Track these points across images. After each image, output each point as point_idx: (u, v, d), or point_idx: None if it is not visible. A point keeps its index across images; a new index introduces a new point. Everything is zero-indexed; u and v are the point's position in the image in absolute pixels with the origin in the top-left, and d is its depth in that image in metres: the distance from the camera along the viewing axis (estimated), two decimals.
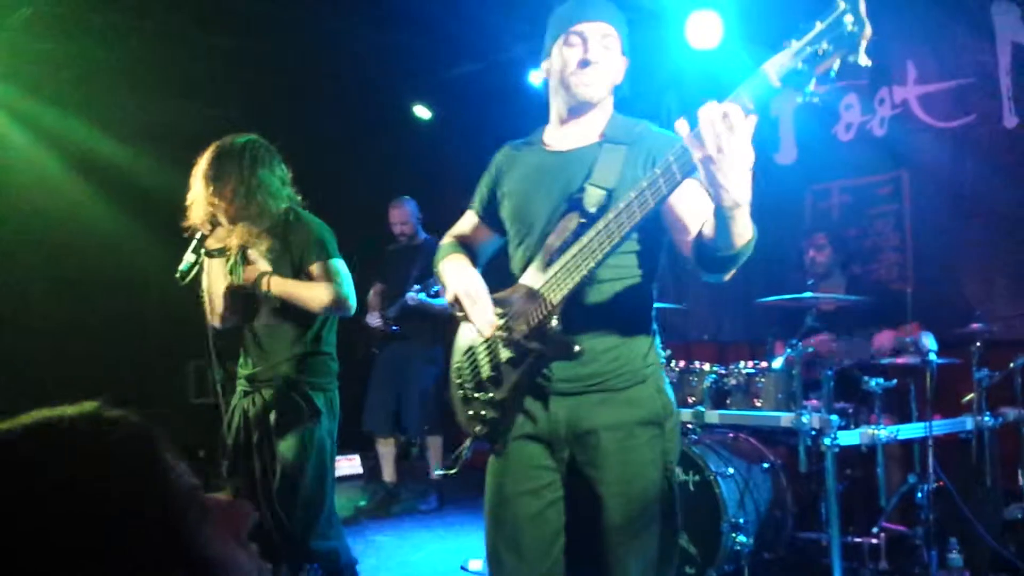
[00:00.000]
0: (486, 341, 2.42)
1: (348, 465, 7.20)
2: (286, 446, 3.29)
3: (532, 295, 2.31)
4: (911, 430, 4.12)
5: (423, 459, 6.56)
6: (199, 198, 3.27)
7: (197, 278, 3.27)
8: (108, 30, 6.03)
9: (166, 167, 6.61)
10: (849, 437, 4.01)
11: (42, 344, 6.40)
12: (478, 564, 4.69)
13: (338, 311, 3.36)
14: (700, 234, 2.11)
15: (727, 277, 2.15)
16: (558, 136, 2.49)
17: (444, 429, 6.27)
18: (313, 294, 3.30)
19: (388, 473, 6.34)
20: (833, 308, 4.71)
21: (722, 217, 1.95)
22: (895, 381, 4.18)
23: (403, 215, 6.33)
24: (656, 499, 2.35)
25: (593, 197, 2.28)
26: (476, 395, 2.45)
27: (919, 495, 4.08)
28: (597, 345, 2.29)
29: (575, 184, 2.34)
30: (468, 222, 2.71)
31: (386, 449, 6.30)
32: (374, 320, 6.21)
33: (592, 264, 2.15)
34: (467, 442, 2.48)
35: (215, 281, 3.42)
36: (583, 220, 2.25)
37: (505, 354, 2.37)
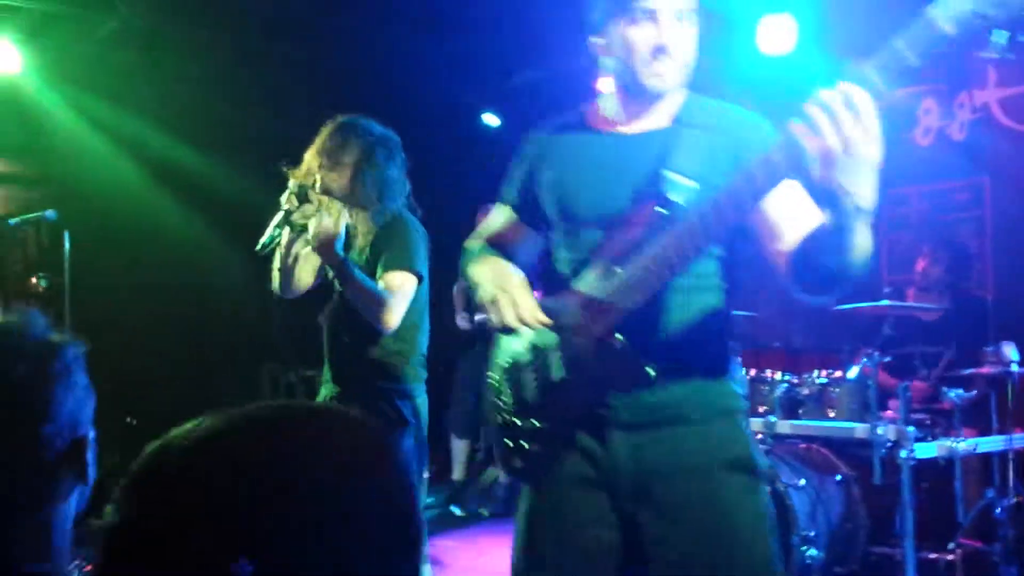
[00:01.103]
0: (534, 357, 1.99)
1: None
2: None
3: (592, 303, 1.88)
4: (991, 443, 4.00)
5: (488, 463, 6.60)
6: (310, 160, 3.11)
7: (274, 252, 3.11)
8: (189, 43, 6.19)
9: (240, 175, 6.80)
10: (926, 450, 3.91)
11: (120, 347, 6.57)
12: None
13: (375, 324, 3.06)
14: (803, 246, 1.76)
15: (831, 299, 1.82)
16: (619, 117, 2.03)
17: None
18: (371, 300, 3.02)
19: (458, 472, 6.49)
20: (921, 318, 4.59)
21: (840, 228, 1.61)
22: (975, 392, 4.06)
23: None
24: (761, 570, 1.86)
25: (675, 188, 1.85)
26: (516, 421, 2.00)
27: (998, 510, 3.95)
28: (670, 368, 1.83)
29: (648, 173, 1.90)
30: (501, 220, 2.29)
31: (460, 447, 6.46)
32: (463, 323, 6.32)
33: (673, 270, 1.77)
34: (499, 475, 2.09)
35: (305, 260, 3.20)
36: (665, 213, 1.84)
37: (557, 374, 1.93)
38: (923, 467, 3.98)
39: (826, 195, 1.60)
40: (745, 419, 1.99)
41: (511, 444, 2.01)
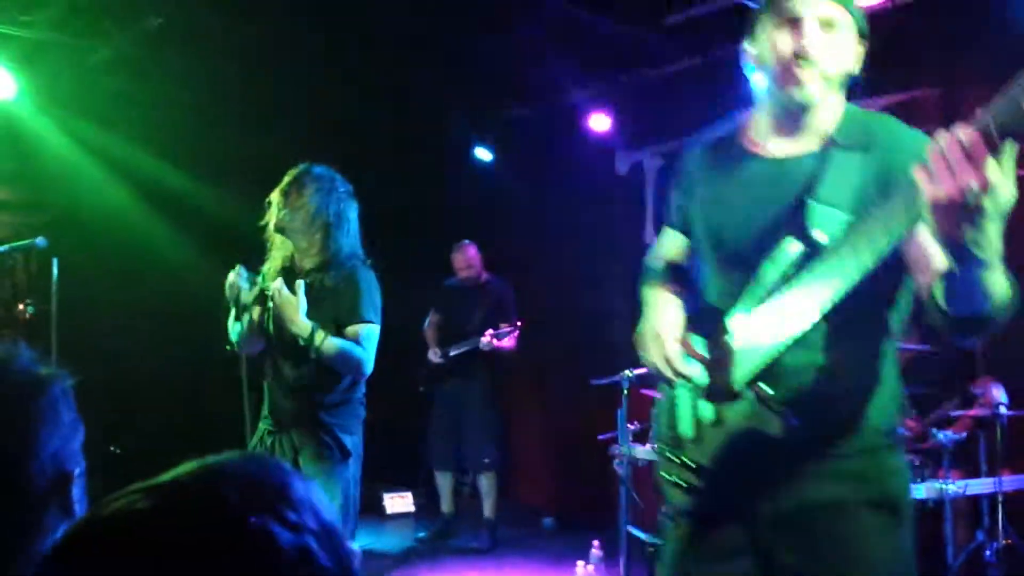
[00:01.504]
0: (688, 393, 2.00)
1: (401, 502, 7.20)
2: None
3: (733, 347, 1.90)
4: (981, 485, 3.99)
5: (476, 497, 6.54)
6: (274, 199, 3.33)
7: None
8: (180, 70, 6.21)
9: (231, 201, 6.78)
10: (915, 491, 3.89)
11: (107, 375, 6.52)
12: None
13: (353, 376, 3.29)
14: (937, 283, 1.66)
15: (972, 342, 1.79)
16: (768, 137, 1.98)
17: (499, 467, 6.33)
18: (347, 359, 3.22)
19: (446, 504, 6.46)
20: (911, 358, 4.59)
21: (961, 276, 1.55)
22: (964, 434, 4.06)
23: (467, 259, 6.42)
24: None
25: (819, 219, 1.80)
26: (674, 455, 2.03)
27: (988, 553, 3.93)
28: (817, 406, 1.83)
29: (794, 201, 1.86)
30: (673, 242, 2.20)
31: (444, 481, 6.44)
32: (435, 358, 6.32)
33: (818, 308, 1.75)
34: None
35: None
36: (806, 248, 1.80)
37: (705, 411, 1.96)
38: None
39: (944, 243, 1.53)
40: (895, 457, 1.93)
41: (673, 477, 2.02)
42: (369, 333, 3.27)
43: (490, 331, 5.99)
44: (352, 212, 3.40)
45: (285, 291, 3.18)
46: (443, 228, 7.17)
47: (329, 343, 3.18)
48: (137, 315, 6.74)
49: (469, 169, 7.80)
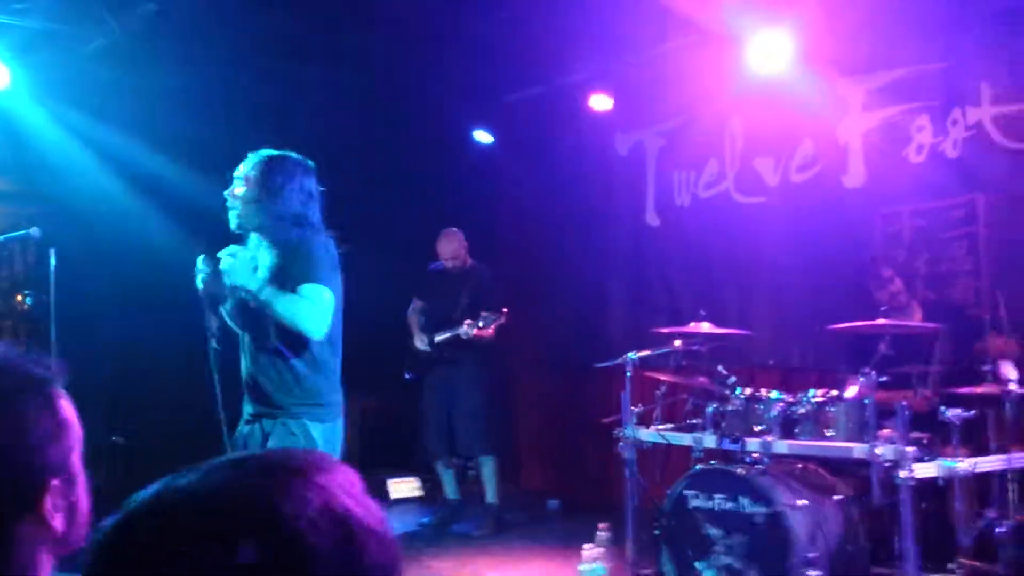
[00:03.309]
0: None
1: (406, 487, 7.19)
2: None
3: None
4: (991, 463, 3.96)
5: (479, 483, 6.52)
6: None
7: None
8: (174, 60, 6.16)
9: (225, 189, 6.71)
10: (925, 470, 3.86)
11: (106, 365, 6.49)
12: None
13: (304, 331, 3.23)
14: None
15: None
16: None
17: (497, 450, 6.31)
18: (294, 308, 3.18)
19: (451, 490, 6.45)
20: (917, 336, 4.58)
21: None
22: (973, 411, 4.02)
23: (452, 249, 6.30)
24: None
25: None
26: None
27: (999, 530, 3.91)
28: None
29: None
30: None
31: (443, 469, 6.44)
32: (422, 345, 6.23)
33: None
34: None
35: None
36: None
37: None
38: (920, 486, 3.94)
39: None
40: None
41: None
42: (314, 291, 3.21)
43: (468, 320, 5.87)
44: (290, 181, 3.41)
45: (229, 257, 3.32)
46: (443, 212, 7.12)
47: (271, 290, 3.19)
48: (135, 304, 6.70)
49: (468, 152, 7.74)
